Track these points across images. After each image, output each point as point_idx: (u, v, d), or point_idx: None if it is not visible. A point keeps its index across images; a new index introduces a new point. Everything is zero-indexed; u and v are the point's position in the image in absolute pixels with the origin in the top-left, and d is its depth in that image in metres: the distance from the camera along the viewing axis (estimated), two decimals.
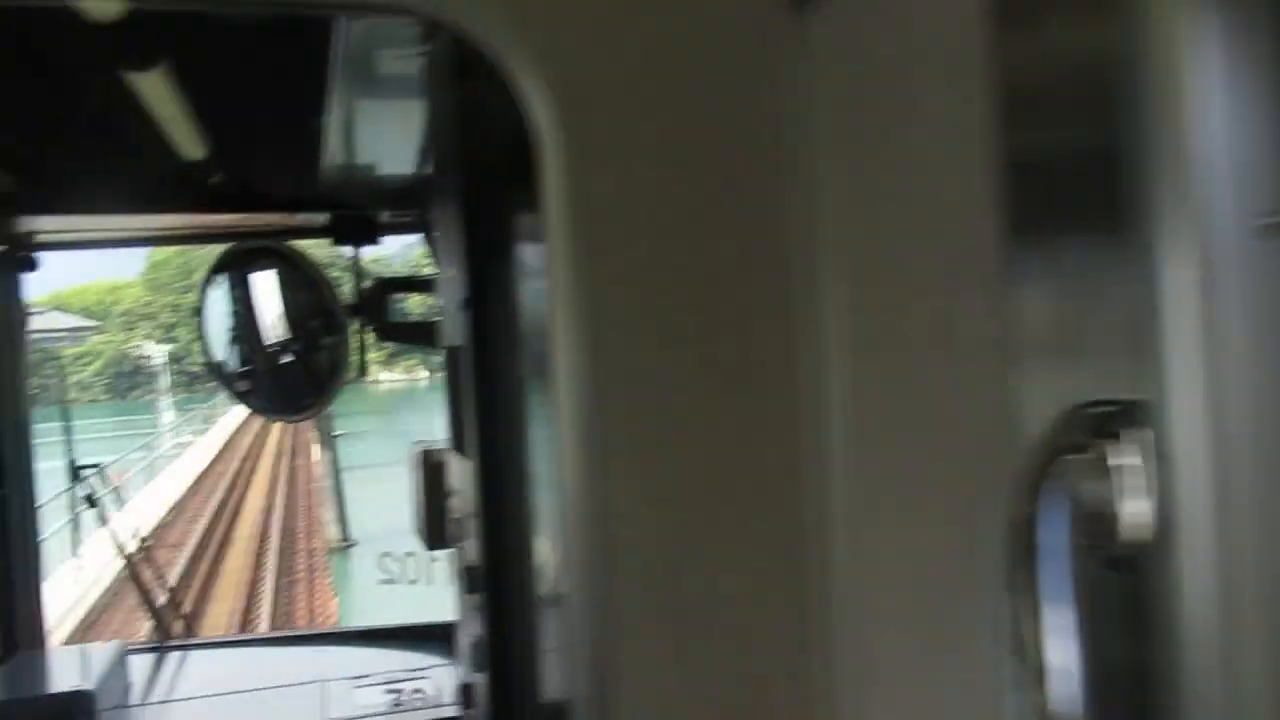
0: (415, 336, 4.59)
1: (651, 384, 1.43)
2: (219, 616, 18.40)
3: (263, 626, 16.93)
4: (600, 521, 1.42)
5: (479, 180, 2.55)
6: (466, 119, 2.54)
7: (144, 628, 14.46)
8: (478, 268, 2.55)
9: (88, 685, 4.18)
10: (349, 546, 26.54)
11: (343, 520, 27.64)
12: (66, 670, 4.43)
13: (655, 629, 1.43)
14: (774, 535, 1.46)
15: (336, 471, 28.45)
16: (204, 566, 21.85)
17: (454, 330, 2.82)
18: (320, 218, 4.70)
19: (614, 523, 1.42)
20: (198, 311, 4.41)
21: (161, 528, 24.91)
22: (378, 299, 4.39)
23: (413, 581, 5.37)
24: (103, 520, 5.14)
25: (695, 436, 1.45)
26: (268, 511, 29.43)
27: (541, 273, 1.66)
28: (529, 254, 2.52)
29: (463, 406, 2.88)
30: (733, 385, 1.45)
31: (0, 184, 3.91)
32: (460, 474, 3.08)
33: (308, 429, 40.86)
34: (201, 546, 23.32)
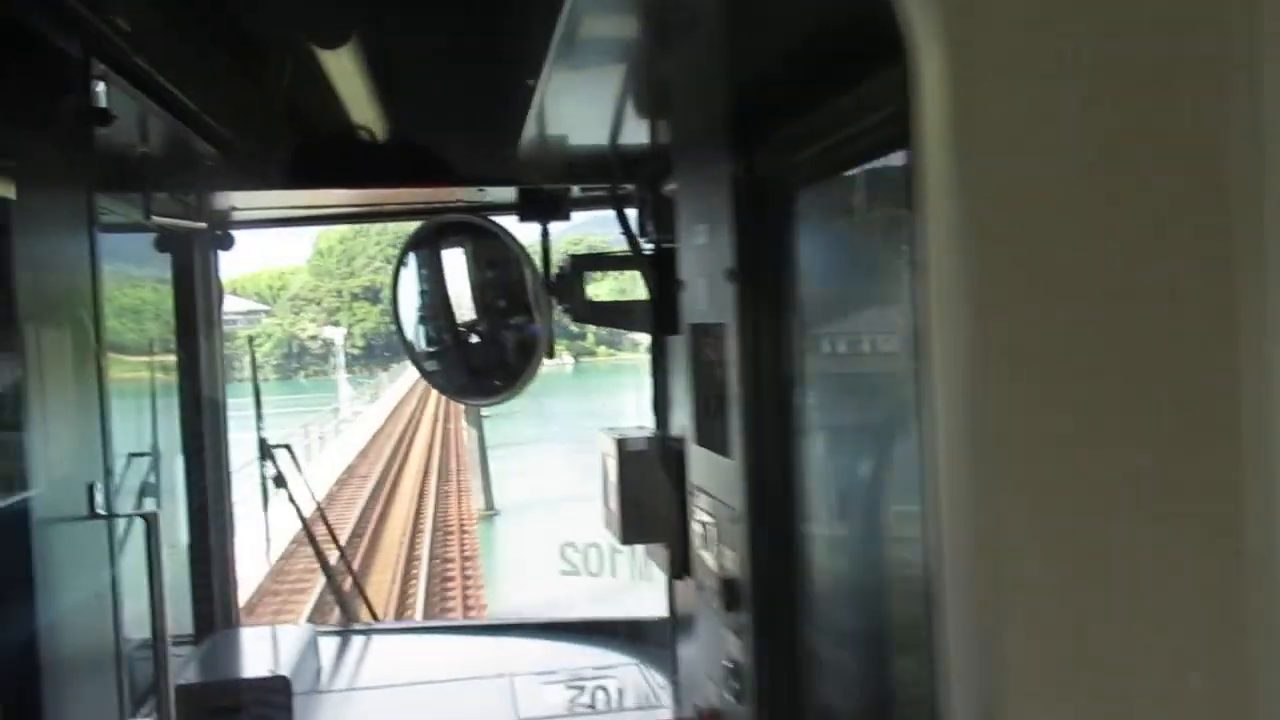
0: (614, 317, 4.32)
1: (1053, 370, 1.07)
2: (385, 561, 20.75)
3: (420, 589, 18.74)
4: (984, 551, 1.07)
5: (750, 138, 2.22)
6: (737, 74, 2.20)
7: (309, 604, 14.92)
8: (747, 235, 2.22)
9: (283, 670, 4.08)
10: (493, 516, 28.06)
11: (487, 491, 29.43)
12: (261, 653, 4.36)
13: (1055, 692, 1.07)
14: (1210, 574, 1.08)
15: (483, 448, 30.73)
16: (372, 519, 24.29)
17: (709, 305, 2.43)
18: (507, 194, 4.48)
19: (1002, 554, 1.07)
20: (391, 289, 4.24)
21: (338, 485, 27.89)
22: (572, 278, 4.13)
23: (594, 574, 5.16)
24: (291, 501, 5.07)
25: (1109, 441, 1.08)
26: (425, 472, 32.25)
27: (840, 240, 1.31)
28: (825, 217, 2.17)
29: (701, 394, 2.52)
30: (1158, 377, 1.08)
31: (204, 158, 3.80)
32: (708, 472, 2.66)
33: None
34: (370, 504, 25.74)
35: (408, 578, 19.81)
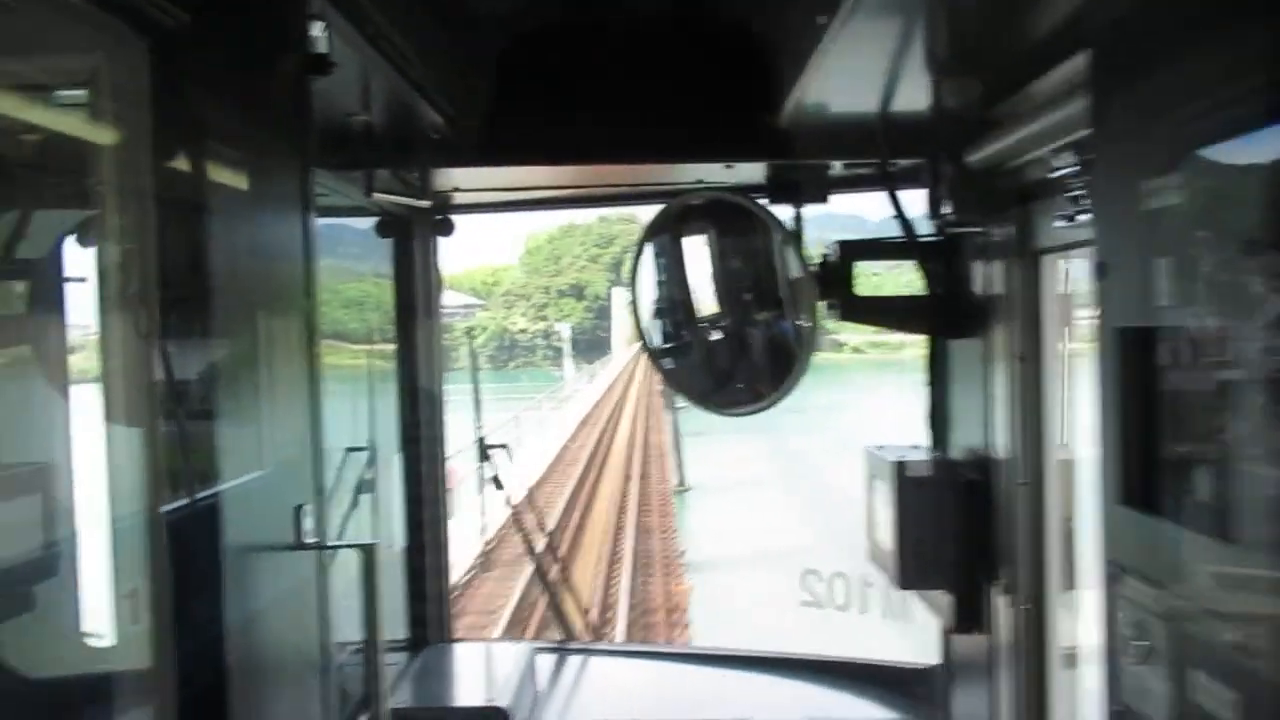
0: (888, 316, 3.57)
1: None
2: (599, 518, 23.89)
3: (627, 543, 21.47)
4: None
5: None
6: None
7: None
8: None
9: (501, 700, 3.58)
10: (685, 491, 32.57)
11: (680, 470, 34.57)
12: (476, 676, 3.89)
13: None
14: None
15: (677, 433, 37.28)
16: (585, 490, 27.59)
17: (1178, 299, 1.52)
18: (754, 173, 3.79)
19: None
20: (630, 281, 3.65)
21: (554, 461, 31.04)
22: (840, 268, 3.41)
23: (841, 608, 4.47)
24: (509, 504, 4.59)
25: None
26: (629, 450, 36.12)
27: None
28: None
29: (1149, 432, 1.64)
30: None
31: (429, 130, 3.31)
32: (1166, 557, 1.72)
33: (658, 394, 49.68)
34: (581, 480, 28.61)
35: (617, 540, 22.37)
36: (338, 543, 2.71)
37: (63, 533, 3.55)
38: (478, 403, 4.61)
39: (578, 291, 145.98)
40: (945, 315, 3.40)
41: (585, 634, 4.86)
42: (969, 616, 3.34)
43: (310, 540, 2.40)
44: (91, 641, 3.51)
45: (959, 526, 3.28)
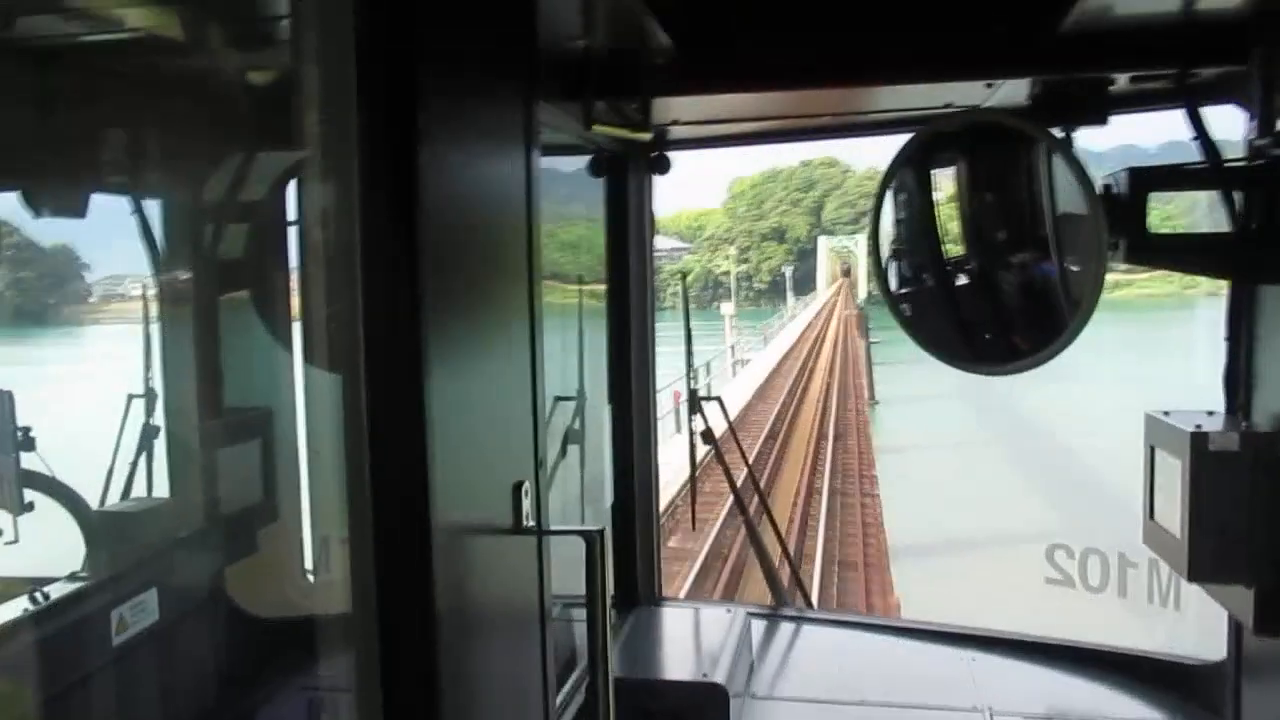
0: (1188, 256, 2.88)
1: None
2: (804, 426, 27.11)
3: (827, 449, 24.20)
4: None
5: None
6: None
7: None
8: None
9: (718, 676, 3.21)
10: (875, 404, 40.77)
11: (871, 386, 43.69)
12: (690, 646, 3.53)
13: None
14: None
15: (869, 356, 48.85)
16: (792, 403, 31.20)
17: None
18: (1017, 93, 3.12)
19: None
20: (872, 223, 3.09)
21: (769, 376, 36.44)
22: (1130, 202, 2.74)
23: (1095, 589, 3.86)
24: (720, 462, 4.17)
25: None
26: (829, 372, 42.07)
27: None
28: None
29: None
30: None
31: (654, 53, 2.85)
32: None
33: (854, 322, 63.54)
34: (790, 395, 32.55)
35: (820, 439, 25.63)
36: (560, 528, 2.33)
37: (283, 477, 3.42)
38: (690, 355, 4.18)
39: (779, 235, 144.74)
40: (1265, 256, 2.68)
41: (796, 598, 4.39)
42: (1277, 617, 2.68)
43: (530, 524, 2.07)
44: (309, 581, 3.39)
45: (1273, 512, 2.61)
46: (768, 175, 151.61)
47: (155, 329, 3.24)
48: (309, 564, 3.24)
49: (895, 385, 42.43)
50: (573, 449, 3.58)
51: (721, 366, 37.36)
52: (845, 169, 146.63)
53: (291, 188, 3.28)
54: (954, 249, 3.24)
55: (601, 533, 2.31)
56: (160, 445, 3.19)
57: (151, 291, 3.25)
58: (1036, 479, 25.05)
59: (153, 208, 3.20)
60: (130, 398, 3.17)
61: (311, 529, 2.81)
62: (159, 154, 3.12)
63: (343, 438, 1.71)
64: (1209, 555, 2.64)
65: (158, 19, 2.61)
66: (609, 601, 2.40)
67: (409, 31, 1.68)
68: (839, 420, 29.61)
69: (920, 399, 37.01)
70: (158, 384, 3.21)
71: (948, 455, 28.66)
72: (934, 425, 33.59)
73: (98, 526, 2.95)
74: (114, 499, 3.11)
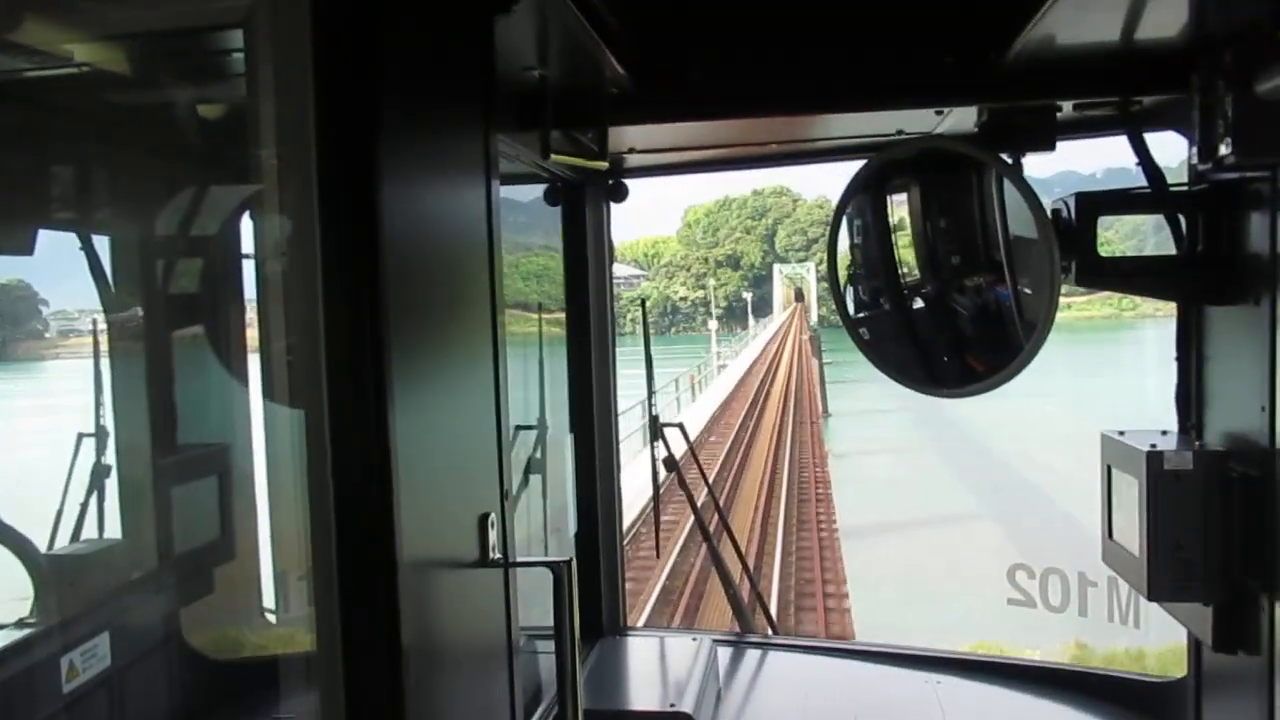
0: (1137, 280, 2.89)
1: None
2: (763, 439, 29.03)
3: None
4: None
5: None
6: None
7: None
8: None
9: (685, 705, 3.13)
10: (829, 416, 45.25)
11: (824, 401, 48.17)
12: (654, 674, 3.45)
13: None
14: None
15: (823, 375, 54.07)
16: (753, 417, 34.14)
17: None
18: (965, 120, 3.13)
19: None
20: (829, 247, 3.08)
21: (728, 398, 38.55)
22: (1080, 225, 2.75)
23: (1056, 609, 3.85)
24: (683, 487, 4.11)
25: None
26: (786, 387, 45.86)
27: None
28: None
29: None
30: None
31: (610, 83, 2.81)
32: None
33: (808, 344, 69.16)
34: (751, 408, 35.63)
35: (779, 447, 28.56)
36: (527, 559, 2.30)
37: (240, 514, 3.30)
38: (650, 380, 4.13)
39: (734, 262, 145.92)
40: (1211, 277, 2.70)
41: (763, 626, 4.33)
42: (1234, 634, 2.67)
43: (496, 556, 2.02)
44: (267, 620, 3.27)
45: (1228, 530, 2.61)
46: (721, 204, 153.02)
47: (106, 365, 3.12)
48: (269, 603, 3.13)
49: (846, 401, 49.13)
50: (535, 479, 3.51)
51: (709, 369, 48.91)
52: (796, 197, 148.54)
53: (250, 222, 3.20)
54: (910, 273, 3.23)
55: (569, 563, 2.26)
56: (112, 485, 3.07)
57: (103, 327, 3.14)
58: (965, 473, 31.20)
59: (104, 243, 3.10)
60: (80, 436, 3.04)
61: (273, 567, 2.72)
62: (112, 189, 3.02)
63: (305, 473, 1.67)
64: (1168, 574, 2.63)
65: (112, 55, 2.54)
66: (578, 633, 2.34)
67: (369, 65, 1.65)
68: (796, 429, 34.07)
69: (868, 413, 43.02)
70: (109, 421, 3.09)
71: (890, 458, 34.54)
72: (879, 434, 39.42)
73: (46, 570, 2.81)
74: (63, 541, 2.98)
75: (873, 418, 42.02)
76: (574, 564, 2.29)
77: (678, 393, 34.03)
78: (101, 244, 3.02)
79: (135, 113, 2.75)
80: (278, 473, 1.93)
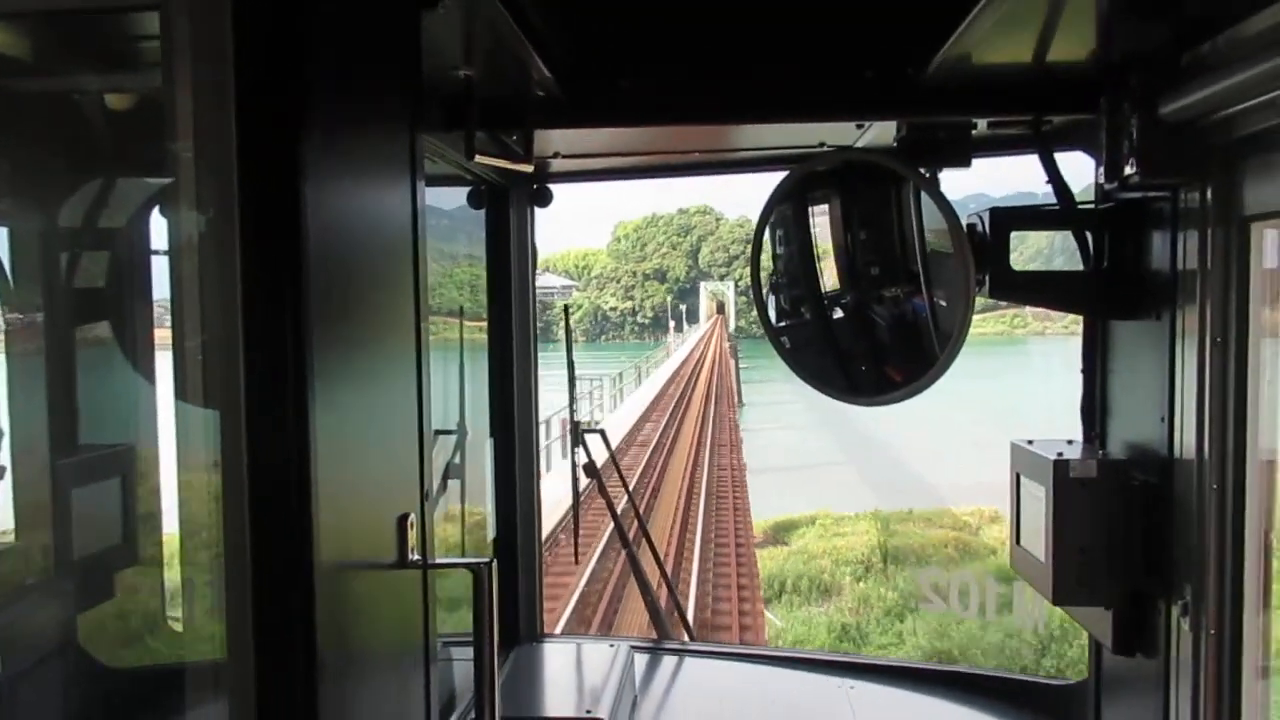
0: (1047, 293, 2.86)
1: None
2: (686, 434, 31.88)
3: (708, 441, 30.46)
4: None
5: None
6: None
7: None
8: None
9: (601, 712, 3.00)
10: (743, 405, 52.21)
11: (739, 394, 55.25)
12: (571, 680, 3.31)
13: None
14: None
15: (738, 371, 63.56)
16: (680, 412, 37.98)
17: None
18: (885, 134, 3.08)
19: None
20: (752, 257, 2.99)
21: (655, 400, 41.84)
22: (994, 240, 2.71)
23: (963, 612, 3.79)
24: (603, 494, 3.98)
25: None
26: (709, 381, 51.83)
27: None
28: None
29: None
30: None
31: (536, 85, 2.68)
32: None
33: (728, 349, 78.10)
34: (674, 412, 37.98)
35: (702, 426, 33.29)
36: (446, 560, 2.20)
37: (145, 518, 3.07)
38: (572, 386, 3.99)
39: (661, 275, 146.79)
40: (1116, 292, 2.68)
41: (680, 632, 4.22)
42: (1134, 636, 2.65)
43: (415, 558, 1.90)
44: (172, 629, 3.03)
45: (1129, 536, 2.58)
46: (649, 220, 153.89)
47: (1, 362, 2.87)
48: (175, 609, 2.91)
49: (756, 395, 59.60)
50: (454, 484, 3.34)
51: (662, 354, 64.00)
52: (719, 216, 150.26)
53: (165, 217, 2.99)
54: (830, 283, 3.16)
55: (490, 565, 2.13)
56: (5, 487, 2.81)
57: None
58: (839, 439, 41.97)
59: (1, 235, 2.85)
60: None
61: (181, 571, 2.54)
62: (11, 181, 2.79)
63: (220, 474, 1.57)
64: (1072, 579, 2.59)
65: (12, 37, 2.32)
66: (496, 637, 2.21)
67: (291, 56, 1.53)
68: (717, 412, 40.25)
69: (773, 403, 53.86)
70: (3, 421, 2.83)
71: (787, 434, 45.26)
72: (780, 418, 49.53)
73: None
74: None
75: (775, 407, 52.30)
76: (495, 566, 2.16)
77: (618, 386, 41.69)
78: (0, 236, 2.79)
79: (38, 99, 2.54)
80: (189, 474, 1.83)
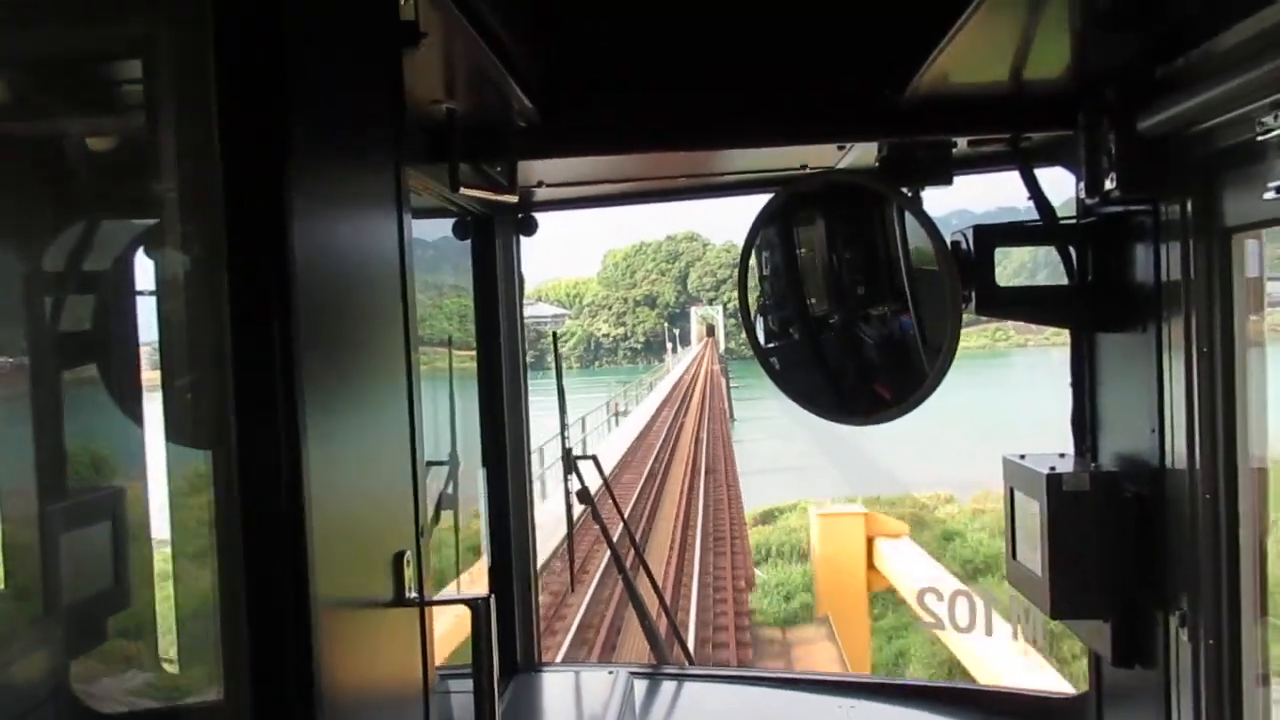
0: (1032, 309, 2.82)
1: None
2: (682, 448, 33.73)
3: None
4: None
5: None
6: None
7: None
8: None
9: None
10: (734, 421, 56.00)
11: (730, 408, 59.22)
12: (574, 709, 3.23)
13: None
14: None
15: (729, 387, 68.04)
16: (683, 411, 44.01)
17: None
18: (867, 155, 3.05)
19: None
20: (739, 278, 2.96)
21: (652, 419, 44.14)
22: (979, 257, 2.68)
23: (964, 630, 3.75)
24: (596, 520, 3.92)
25: None
26: (703, 397, 55.39)
27: None
28: None
29: None
30: None
31: (518, 115, 2.65)
32: None
33: (719, 370, 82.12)
34: (681, 406, 44.97)
35: (697, 442, 34.92)
36: (443, 598, 2.17)
37: (136, 560, 2.99)
38: (563, 413, 3.94)
39: (651, 301, 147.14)
40: (1101, 306, 2.65)
41: (680, 658, 4.14)
42: (1132, 648, 2.60)
43: (412, 595, 1.86)
44: (166, 671, 2.95)
45: (1124, 548, 2.54)
46: (637, 248, 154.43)
47: None
48: (170, 652, 2.84)
49: (747, 410, 64.59)
50: (447, 514, 3.28)
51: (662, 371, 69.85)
52: (705, 242, 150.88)
53: (151, 258, 2.94)
54: (818, 303, 3.13)
55: (488, 600, 2.08)
56: None
57: None
58: (831, 453, 44.79)
59: None
60: None
61: (176, 614, 2.48)
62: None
63: (213, 514, 1.55)
64: (1069, 592, 2.54)
65: (7, 86, 2.30)
66: (495, 671, 2.16)
67: (276, 99, 1.51)
68: (710, 427, 42.81)
69: (761, 418, 57.79)
70: None
71: (774, 443, 48.96)
72: (769, 430, 53.18)
73: None
74: None
75: (763, 422, 56.44)
76: (493, 601, 2.12)
77: (624, 404, 46.94)
78: None
79: (22, 144, 2.51)
80: (182, 514, 1.80)
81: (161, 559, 2.66)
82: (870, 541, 13.62)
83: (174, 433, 1.81)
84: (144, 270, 3.09)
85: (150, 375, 3.01)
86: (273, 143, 1.49)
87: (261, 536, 1.48)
